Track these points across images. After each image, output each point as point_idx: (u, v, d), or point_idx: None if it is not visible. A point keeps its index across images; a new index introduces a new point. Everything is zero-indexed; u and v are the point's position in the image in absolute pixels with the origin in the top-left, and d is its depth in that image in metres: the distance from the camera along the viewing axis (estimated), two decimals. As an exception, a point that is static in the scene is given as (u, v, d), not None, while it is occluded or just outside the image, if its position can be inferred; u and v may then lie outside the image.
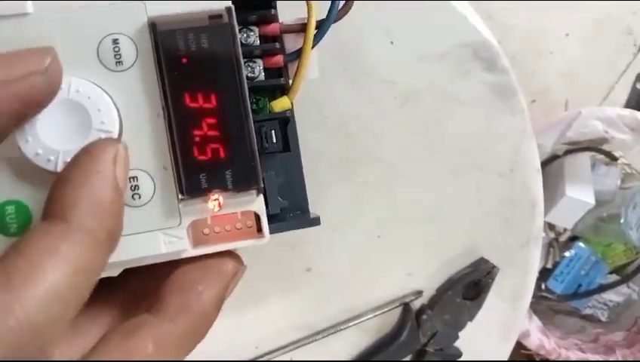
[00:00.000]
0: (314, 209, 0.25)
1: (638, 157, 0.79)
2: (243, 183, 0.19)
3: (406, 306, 0.46)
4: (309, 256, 0.44)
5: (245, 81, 0.19)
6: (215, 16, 0.19)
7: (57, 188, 0.17)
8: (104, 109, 0.18)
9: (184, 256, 0.19)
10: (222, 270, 0.20)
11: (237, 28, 0.19)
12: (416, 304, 0.46)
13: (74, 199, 0.16)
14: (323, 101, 0.42)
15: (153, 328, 0.18)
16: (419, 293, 0.46)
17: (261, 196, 0.20)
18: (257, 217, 0.20)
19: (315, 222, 0.23)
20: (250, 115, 0.19)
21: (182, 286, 0.19)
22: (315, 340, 0.44)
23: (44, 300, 0.15)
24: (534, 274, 0.48)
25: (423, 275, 0.46)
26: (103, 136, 0.18)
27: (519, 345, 0.75)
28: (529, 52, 1.00)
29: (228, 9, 0.19)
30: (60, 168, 0.18)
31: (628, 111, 0.75)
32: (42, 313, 0.15)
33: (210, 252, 0.20)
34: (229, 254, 0.20)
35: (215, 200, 0.19)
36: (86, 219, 0.16)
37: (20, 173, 0.18)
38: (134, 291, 0.21)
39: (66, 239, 0.16)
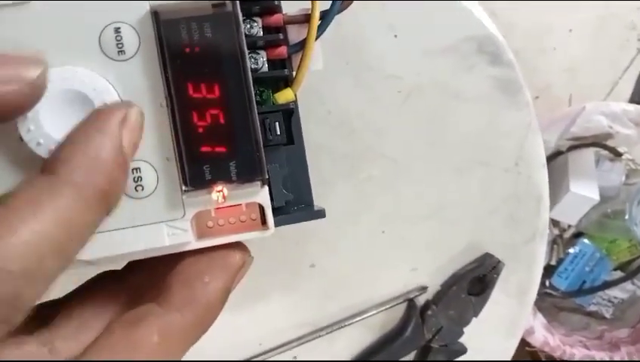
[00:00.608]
0: (317, 204, 0.24)
1: (642, 152, 0.79)
2: (247, 174, 0.19)
3: (410, 302, 0.45)
4: (312, 253, 0.44)
5: (249, 69, 0.19)
6: (219, 5, 0.18)
7: (57, 147, 0.17)
8: (107, 99, 0.18)
9: (188, 248, 0.19)
10: (228, 261, 0.19)
11: (241, 16, 0.19)
12: (421, 300, 0.46)
13: (68, 154, 0.16)
14: (326, 96, 0.42)
15: (159, 318, 0.18)
16: (423, 289, 0.46)
17: (266, 187, 0.19)
18: (262, 209, 0.20)
19: (321, 214, 0.22)
20: (255, 104, 0.19)
21: (188, 277, 0.19)
22: (319, 337, 0.44)
23: (20, 249, 0.15)
24: (540, 270, 0.48)
25: (427, 271, 0.46)
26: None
27: (524, 342, 0.75)
28: (532, 48, 0.99)
29: (232, -2, 0.18)
30: None
31: (633, 107, 0.75)
32: (17, 262, 0.15)
33: (214, 244, 0.19)
34: (236, 245, 0.20)
35: (219, 191, 0.19)
36: (75, 173, 0.16)
37: (22, 164, 0.18)
38: (139, 285, 0.21)
39: (51, 191, 0.16)
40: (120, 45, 0.18)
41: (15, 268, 0.15)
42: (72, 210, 0.16)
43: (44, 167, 0.16)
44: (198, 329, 0.18)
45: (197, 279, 0.19)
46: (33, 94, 0.17)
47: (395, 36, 0.42)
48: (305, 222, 0.22)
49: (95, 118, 0.17)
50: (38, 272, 0.15)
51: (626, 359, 0.76)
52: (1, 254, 0.14)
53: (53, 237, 0.15)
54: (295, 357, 0.44)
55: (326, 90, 0.41)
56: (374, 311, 0.45)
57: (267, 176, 0.19)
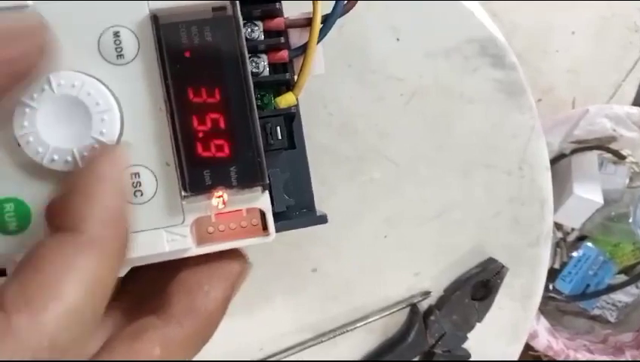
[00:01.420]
0: (319, 208, 0.24)
1: (646, 155, 0.79)
2: (248, 180, 0.18)
3: (413, 307, 0.45)
4: (314, 257, 0.44)
5: (250, 74, 0.18)
6: (219, 9, 0.18)
7: (64, 198, 0.16)
8: (104, 105, 0.17)
9: (188, 254, 0.19)
10: (227, 270, 0.19)
11: (241, 20, 0.18)
12: (424, 305, 0.46)
13: (83, 210, 0.16)
14: (328, 99, 0.41)
15: (159, 331, 0.17)
16: (426, 294, 0.45)
17: (266, 193, 0.19)
18: (263, 215, 0.20)
19: (323, 219, 0.22)
20: (255, 108, 0.18)
21: (188, 288, 0.19)
22: (321, 342, 0.44)
23: (65, 319, 0.14)
24: (544, 273, 0.47)
25: (430, 275, 0.45)
26: (105, 131, 0.17)
27: (527, 347, 0.75)
28: (535, 50, 0.99)
29: (232, 1, 0.18)
30: (59, 167, 0.17)
31: (636, 109, 0.74)
32: (65, 333, 0.14)
33: (214, 250, 0.19)
34: (234, 253, 0.20)
35: (219, 197, 0.18)
36: (97, 229, 0.16)
37: (20, 171, 0.18)
38: (139, 293, 0.21)
39: (80, 252, 0.15)
40: (119, 49, 0.18)
41: (64, 339, 0.14)
42: (103, 268, 0.16)
43: (62, 224, 0.16)
44: (199, 339, 0.18)
45: (197, 289, 0.18)
46: (39, 48, 0.16)
47: (398, 39, 0.42)
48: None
49: (91, 165, 0.17)
50: (85, 335, 0.15)
51: (631, 363, 0.76)
52: (48, 327, 0.14)
53: (93, 297, 0.15)
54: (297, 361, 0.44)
55: (328, 93, 0.41)
56: (377, 316, 0.45)
57: (268, 182, 0.19)
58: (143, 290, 0.20)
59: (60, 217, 0.16)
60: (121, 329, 0.18)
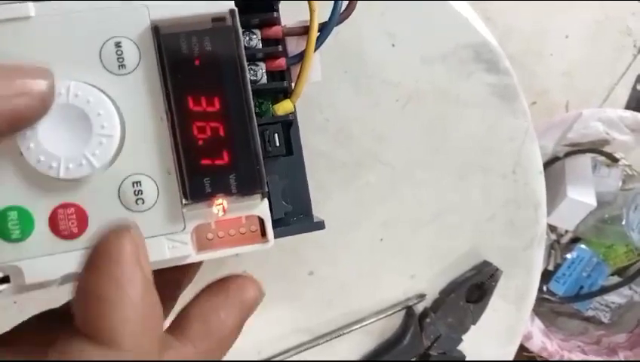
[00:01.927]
0: (316, 212, 0.24)
1: (639, 158, 0.79)
2: (247, 187, 0.19)
3: (409, 310, 0.45)
4: (311, 260, 0.44)
5: (249, 84, 0.19)
6: (218, 19, 0.19)
7: (91, 305, 0.16)
8: (104, 113, 0.18)
9: (188, 261, 0.19)
10: (244, 298, 0.20)
11: (241, 30, 0.19)
12: (420, 307, 0.46)
13: (111, 321, 0.16)
14: (324, 104, 0.42)
15: (175, 351, 0.18)
16: (422, 296, 0.46)
17: (265, 200, 0.19)
18: (261, 221, 0.20)
19: (320, 226, 0.22)
20: (255, 117, 0.19)
21: (205, 312, 0.19)
22: (318, 344, 0.44)
23: None
24: (538, 276, 0.48)
25: (426, 278, 0.46)
26: (105, 140, 0.18)
27: (521, 348, 0.75)
28: (529, 53, 1.00)
29: (231, 11, 0.19)
30: (62, 175, 0.17)
31: (629, 113, 0.75)
32: None
33: (214, 257, 0.19)
34: (251, 281, 0.20)
35: (219, 204, 0.19)
36: (136, 340, 0.16)
37: (23, 179, 0.18)
38: None
39: None
40: (121, 59, 0.18)
41: None
42: None
43: (97, 335, 0.16)
44: (212, 359, 0.19)
45: (213, 314, 0.19)
46: (42, 107, 0.17)
47: (393, 44, 0.42)
48: (304, 232, 0.23)
49: (110, 261, 0.17)
50: None
51: (624, 364, 0.76)
52: None
53: None
54: (294, 365, 0.44)
55: (324, 98, 0.42)
56: (373, 319, 0.45)
57: (267, 190, 0.19)
58: None
59: (89, 325, 0.16)
60: None
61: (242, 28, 0.21)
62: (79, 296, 0.17)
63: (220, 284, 0.20)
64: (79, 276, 0.17)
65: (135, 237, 0.17)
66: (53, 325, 0.19)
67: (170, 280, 0.21)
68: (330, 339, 0.44)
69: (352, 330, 0.45)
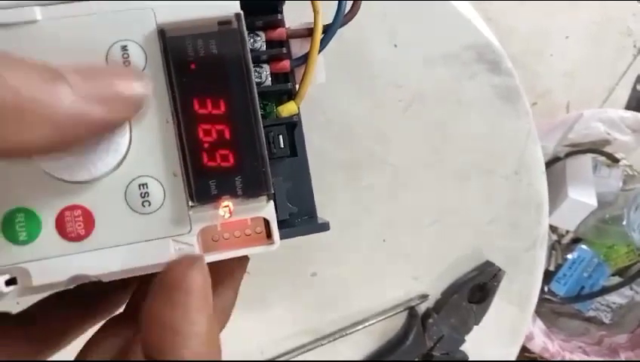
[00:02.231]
0: (319, 213, 0.25)
1: (640, 158, 0.79)
2: (253, 189, 0.19)
3: (412, 310, 0.45)
4: (314, 261, 0.44)
5: (255, 86, 0.19)
6: (224, 22, 0.19)
7: (164, 336, 0.17)
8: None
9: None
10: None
11: (246, 34, 0.19)
12: (422, 308, 0.46)
13: (186, 355, 0.16)
14: (328, 105, 0.42)
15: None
16: (424, 297, 0.46)
17: (271, 202, 0.20)
18: (267, 223, 0.20)
19: (325, 227, 0.22)
20: (260, 120, 0.19)
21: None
22: (321, 345, 0.44)
23: None
24: (540, 276, 0.48)
25: (428, 279, 0.46)
26: (114, 142, 0.18)
27: (523, 348, 0.75)
28: (530, 54, 1.00)
29: (237, 15, 0.19)
30: (69, 177, 0.17)
31: (630, 113, 0.75)
32: None
33: (220, 259, 0.19)
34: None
35: (225, 206, 0.19)
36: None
37: (30, 182, 0.18)
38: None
39: None
40: (127, 63, 0.18)
41: None
42: None
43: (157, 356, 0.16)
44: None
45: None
46: (133, 115, 0.17)
47: (396, 45, 0.42)
48: (307, 233, 0.23)
49: (186, 294, 0.17)
50: None
51: (626, 364, 0.76)
52: None
53: None
54: (297, 365, 0.45)
55: (327, 99, 0.42)
56: (376, 320, 0.45)
57: (273, 191, 0.19)
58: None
59: (161, 355, 0.16)
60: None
61: (247, 30, 0.21)
62: (150, 323, 0.17)
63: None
64: (149, 300, 0.17)
65: (204, 269, 0.18)
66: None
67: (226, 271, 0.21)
68: (334, 340, 0.44)
69: (355, 331, 0.45)
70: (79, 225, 0.18)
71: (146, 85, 0.17)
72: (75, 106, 0.15)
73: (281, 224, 0.21)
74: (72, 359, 0.21)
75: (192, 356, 0.16)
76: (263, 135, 0.19)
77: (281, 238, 0.20)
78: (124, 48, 0.18)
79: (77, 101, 0.15)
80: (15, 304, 0.20)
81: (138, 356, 0.19)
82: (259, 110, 0.19)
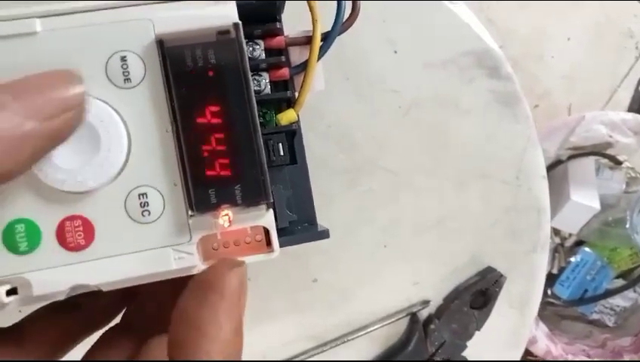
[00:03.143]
0: (319, 218, 0.25)
1: (642, 161, 0.79)
2: (253, 198, 0.19)
3: (413, 316, 0.45)
4: (314, 267, 0.44)
5: (254, 96, 0.19)
6: (223, 32, 0.19)
7: (190, 334, 0.17)
8: (113, 129, 0.18)
9: (194, 271, 0.19)
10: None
11: (245, 43, 0.19)
12: (424, 314, 0.46)
13: (209, 355, 0.16)
14: (326, 111, 0.42)
15: None
16: (426, 303, 0.46)
17: (271, 211, 0.20)
18: (267, 231, 0.20)
19: (325, 234, 0.23)
20: (259, 129, 0.19)
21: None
22: (323, 351, 0.44)
23: None
24: (542, 281, 0.48)
25: (429, 285, 0.46)
26: (112, 153, 0.18)
27: (526, 352, 0.75)
28: (530, 57, 1.00)
29: (235, 25, 0.19)
30: (69, 188, 0.18)
31: (631, 115, 0.75)
32: None
33: None
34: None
35: (225, 215, 0.19)
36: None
37: (30, 192, 0.18)
38: (147, 312, 0.22)
39: None
40: (126, 73, 0.18)
41: None
42: None
43: (182, 355, 0.16)
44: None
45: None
46: (81, 117, 0.16)
47: (395, 51, 0.42)
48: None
49: (223, 299, 0.17)
50: None
51: (630, 367, 0.76)
52: None
53: None
54: (299, 372, 0.44)
55: (326, 105, 0.42)
56: (377, 326, 0.45)
57: (272, 200, 0.19)
58: (149, 310, 0.21)
59: (183, 352, 0.16)
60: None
61: (245, 38, 0.21)
62: (179, 319, 0.17)
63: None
64: (183, 296, 0.17)
65: (242, 275, 0.17)
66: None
67: None
68: (335, 346, 0.44)
69: (357, 337, 0.45)
70: (79, 235, 0.18)
71: (79, 82, 0.16)
72: (16, 130, 0.14)
73: (281, 232, 0.21)
74: None
75: (215, 357, 0.16)
76: (262, 144, 0.19)
77: (280, 246, 0.20)
78: (123, 59, 0.18)
79: (17, 124, 0.14)
80: (18, 313, 0.20)
81: None
82: (257, 119, 0.19)
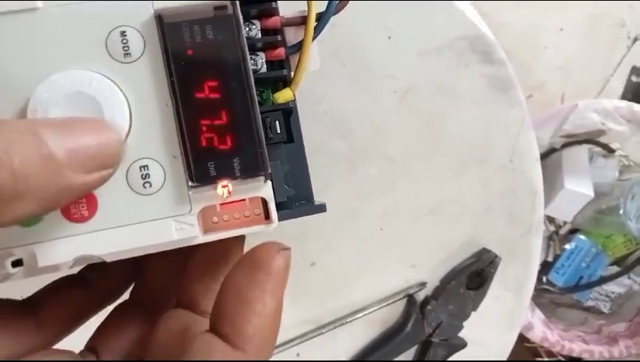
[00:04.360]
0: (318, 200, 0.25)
1: (635, 148, 0.80)
2: (251, 170, 0.19)
3: (410, 298, 0.46)
4: (312, 251, 0.44)
5: (250, 69, 0.19)
6: (220, 8, 0.19)
7: (236, 306, 0.17)
8: (114, 101, 0.18)
9: (195, 242, 0.20)
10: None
11: (241, 18, 0.19)
12: (421, 295, 0.47)
13: (251, 328, 0.17)
14: (323, 97, 0.42)
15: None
16: (423, 285, 0.46)
17: (269, 182, 0.20)
18: (265, 204, 0.21)
19: (322, 208, 0.23)
20: (257, 102, 0.19)
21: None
22: (321, 334, 0.45)
23: None
24: (536, 262, 0.48)
25: (426, 267, 0.46)
26: (115, 126, 0.18)
27: (523, 338, 0.76)
28: (524, 47, 1.00)
29: (232, 1, 0.19)
30: None
31: (624, 103, 0.76)
32: None
33: (221, 238, 0.20)
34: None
35: (224, 186, 0.19)
36: (261, 351, 0.17)
37: None
38: (155, 288, 0.23)
39: None
40: (126, 48, 0.19)
41: None
42: None
43: (230, 336, 0.17)
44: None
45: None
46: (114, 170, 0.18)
47: (390, 37, 0.43)
48: (304, 221, 0.23)
49: (270, 276, 0.18)
50: None
51: (624, 352, 0.77)
52: None
53: None
54: (298, 355, 0.45)
55: (323, 91, 0.42)
56: (375, 308, 0.45)
57: (270, 171, 0.20)
58: (157, 284, 0.22)
59: (227, 323, 0.17)
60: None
61: (242, 19, 0.21)
62: (228, 291, 0.18)
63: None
64: (234, 270, 0.18)
65: (288, 258, 0.19)
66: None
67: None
68: (333, 329, 0.45)
69: (355, 319, 0.45)
70: (82, 207, 0.19)
71: (119, 135, 0.18)
72: (61, 181, 0.15)
73: (278, 206, 0.22)
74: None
75: (253, 332, 0.17)
76: (260, 117, 0.19)
77: (279, 220, 0.21)
78: (122, 34, 0.19)
79: (64, 175, 0.15)
80: (24, 282, 0.21)
81: (153, 352, 0.19)
82: (255, 92, 0.19)
